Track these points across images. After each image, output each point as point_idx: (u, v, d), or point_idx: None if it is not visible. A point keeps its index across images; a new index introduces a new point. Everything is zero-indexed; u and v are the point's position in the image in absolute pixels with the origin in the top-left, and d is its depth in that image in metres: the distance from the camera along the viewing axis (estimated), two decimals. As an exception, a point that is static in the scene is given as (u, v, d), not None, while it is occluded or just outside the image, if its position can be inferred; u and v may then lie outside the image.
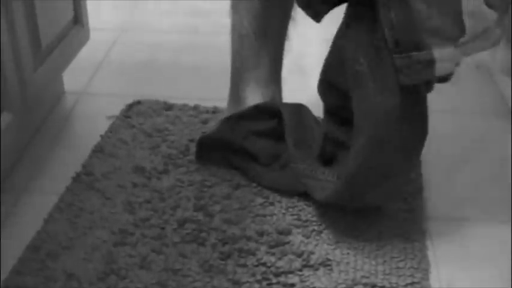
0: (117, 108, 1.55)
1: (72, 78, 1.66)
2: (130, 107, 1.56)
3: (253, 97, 1.39)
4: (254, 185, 1.29)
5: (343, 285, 1.08)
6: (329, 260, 1.13)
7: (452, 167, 1.42)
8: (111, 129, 1.47)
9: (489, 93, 1.72)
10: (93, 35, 1.66)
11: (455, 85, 1.75)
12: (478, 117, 1.62)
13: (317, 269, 1.11)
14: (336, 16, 2.13)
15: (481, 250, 1.19)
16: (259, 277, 1.08)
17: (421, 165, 1.40)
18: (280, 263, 1.11)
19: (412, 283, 1.09)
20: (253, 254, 1.13)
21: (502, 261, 1.16)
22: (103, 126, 1.49)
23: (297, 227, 1.20)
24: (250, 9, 1.37)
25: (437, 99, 1.69)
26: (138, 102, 1.58)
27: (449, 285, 1.11)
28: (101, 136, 1.45)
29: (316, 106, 1.59)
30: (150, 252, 1.13)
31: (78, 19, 1.55)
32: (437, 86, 1.60)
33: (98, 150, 1.40)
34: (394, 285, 1.08)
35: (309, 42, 1.88)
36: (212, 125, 1.45)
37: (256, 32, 1.38)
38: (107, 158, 1.38)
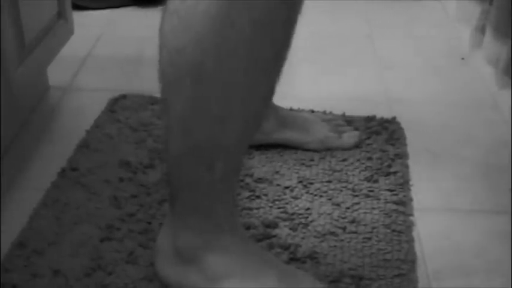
0: (102, 103, 1.55)
1: (58, 73, 1.65)
2: (115, 101, 1.56)
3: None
4: (240, 178, 1.29)
5: (330, 278, 1.07)
6: (316, 252, 1.12)
7: (439, 158, 1.42)
8: (97, 124, 1.47)
9: (475, 85, 1.73)
10: (77, 29, 1.65)
11: (442, 77, 1.77)
12: (464, 109, 1.62)
13: (304, 262, 1.10)
14: (324, 10, 2.14)
15: (468, 241, 1.19)
16: (246, 271, 1.08)
17: (408, 157, 1.40)
18: (267, 257, 1.11)
19: (399, 275, 1.09)
20: (240, 248, 1.12)
21: (489, 251, 1.17)
22: (88, 121, 1.48)
23: (284, 220, 1.20)
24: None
25: (423, 91, 1.70)
26: (123, 97, 1.57)
27: (436, 276, 1.11)
28: (86, 131, 1.44)
29: (304, 99, 1.59)
30: (137, 247, 1.12)
31: (62, 14, 1.54)
32: (424, 79, 1.61)
33: (83, 145, 1.39)
34: (382, 277, 1.08)
35: (297, 35, 1.88)
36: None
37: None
38: (93, 153, 1.37)
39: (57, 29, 1.51)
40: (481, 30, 1.76)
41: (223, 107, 0.88)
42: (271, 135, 1.38)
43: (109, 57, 1.82)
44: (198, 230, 0.98)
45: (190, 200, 0.97)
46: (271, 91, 0.93)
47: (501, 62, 1.50)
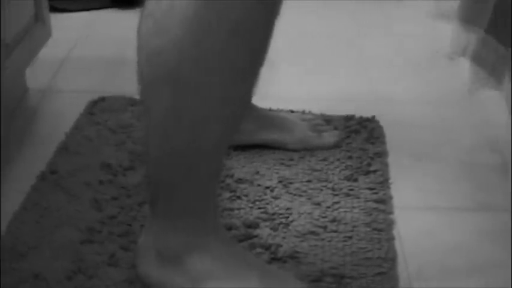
0: (81, 106, 1.54)
1: (37, 75, 1.65)
2: (94, 103, 1.55)
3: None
4: (221, 179, 1.29)
5: (312, 277, 1.07)
6: (297, 252, 1.13)
7: (420, 157, 1.43)
8: (76, 127, 1.46)
9: (457, 84, 1.73)
10: (56, 32, 1.65)
11: (424, 76, 1.78)
12: (446, 107, 1.63)
13: (285, 262, 1.11)
14: (308, 10, 2.14)
15: (448, 238, 1.20)
16: (227, 271, 1.08)
17: (387, 155, 1.41)
18: (248, 257, 1.11)
19: (380, 273, 1.09)
20: (222, 249, 1.12)
21: (470, 249, 1.17)
22: (68, 123, 1.47)
23: (265, 220, 1.20)
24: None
25: (403, 88, 1.71)
26: (103, 99, 1.57)
27: (417, 274, 1.12)
28: (66, 134, 1.44)
29: (283, 99, 1.60)
30: (118, 250, 1.12)
31: (39, 17, 1.53)
32: (407, 75, 1.61)
33: (63, 148, 1.39)
34: (363, 275, 1.09)
35: (276, 35, 1.89)
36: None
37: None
38: (72, 155, 1.36)
39: (34, 32, 1.50)
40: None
41: (201, 110, 0.88)
42: (252, 136, 1.38)
43: (88, 59, 1.82)
44: (179, 232, 0.98)
45: (172, 202, 0.97)
46: (249, 93, 0.93)
47: (469, 51, 1.50)
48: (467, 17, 1.50)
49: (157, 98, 0.89)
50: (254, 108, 1.38)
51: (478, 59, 1.48)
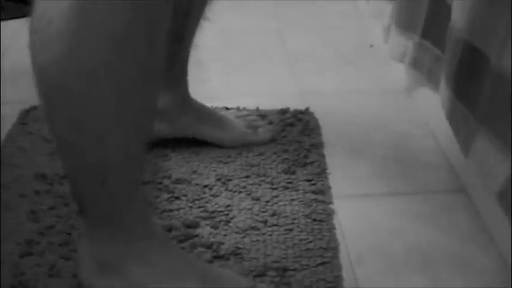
0: (13, 116, 1.52)
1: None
2: (26, 113, 1.53)
3: None
4: (158, 180, 1.28)
5: (255, 273, 1.08)
6: (239, 248, 1.13)
7: (354, 146, 1.44)
8: (9, 138, 1.44)
9: (386, 73, 1.76)
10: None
11: (353, 66, 1.80)
12: (376, 96, 1.65)
13: (228, 259, 1.11)
14: (229, 7, 2.13)
15: (387, 224, 1.22)
16: (170, 273, 1.08)
17: (323, 146, 1.42)
18: (190, 257, 1.11)
19: (323, 263, 1.11)
20: (163, 251, 1.12)
21: (407, 232, 1.19)
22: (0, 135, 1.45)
23: (205, 218, 1.20)
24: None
25: (335, 79, 1.73)
26: (34, 108, 1.54)
27: (359, 260, 1.13)
28: (-2, 146, 1.42)
29: (217, 97, 1.60)
30: (59, 260, 1.11)
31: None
32: (336, 67, 1.62)
33: (-3, 160, 1.37)
34: (305, 267, 1.10)
35: (206, 34, 1.88)
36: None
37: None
38: (7, 167, 1.34)
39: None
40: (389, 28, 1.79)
41: (97, 126, 0.85)
42: (188, 129, 1.38)
43: (17, 68, 1.79)
44: (110, 241, 0.97)
45: (95, 214, 0.96)
46: (150, 102, 0.90)
47: (408, 57, 1.52)
48: (403, 23, 1.52)
49: (54, 114, 0.87)
50: (194, 102, 1.38)
51: (415, 64, 1.49)
